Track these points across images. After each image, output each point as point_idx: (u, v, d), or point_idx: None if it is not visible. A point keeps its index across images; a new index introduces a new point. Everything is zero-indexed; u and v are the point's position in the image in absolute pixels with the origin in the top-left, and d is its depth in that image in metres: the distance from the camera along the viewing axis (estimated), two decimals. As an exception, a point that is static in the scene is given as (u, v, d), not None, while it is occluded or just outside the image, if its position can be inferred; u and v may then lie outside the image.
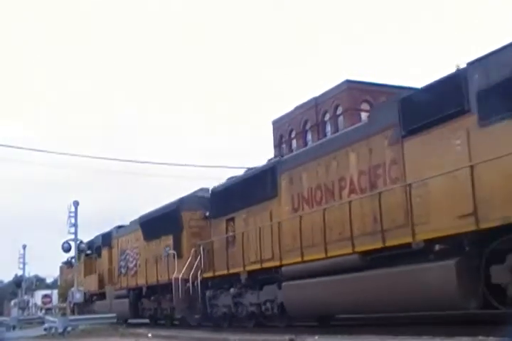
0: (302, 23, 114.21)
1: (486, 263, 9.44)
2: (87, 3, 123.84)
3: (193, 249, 18.27)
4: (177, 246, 19.31)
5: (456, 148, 10.05)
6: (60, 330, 21.30)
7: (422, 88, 11.26)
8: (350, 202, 11.95)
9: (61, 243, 28.77)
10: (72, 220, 26.98)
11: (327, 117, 42.39)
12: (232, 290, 16.21)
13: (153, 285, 20.96)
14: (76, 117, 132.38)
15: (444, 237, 9.92)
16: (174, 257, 19.14)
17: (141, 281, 22.04)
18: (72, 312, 27.73)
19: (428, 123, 10.56)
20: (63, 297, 41.82)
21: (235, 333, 13.98)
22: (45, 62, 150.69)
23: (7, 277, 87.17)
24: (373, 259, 11.45)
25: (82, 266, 29.03)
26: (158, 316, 21.52)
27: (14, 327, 31.33)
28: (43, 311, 53.78)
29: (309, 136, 44.04)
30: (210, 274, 17.22)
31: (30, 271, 64.32)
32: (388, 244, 10.96)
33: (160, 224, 20.58)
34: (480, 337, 7.90)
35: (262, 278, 14.93)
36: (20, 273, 53.88)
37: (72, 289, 27.34)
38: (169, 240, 19.85)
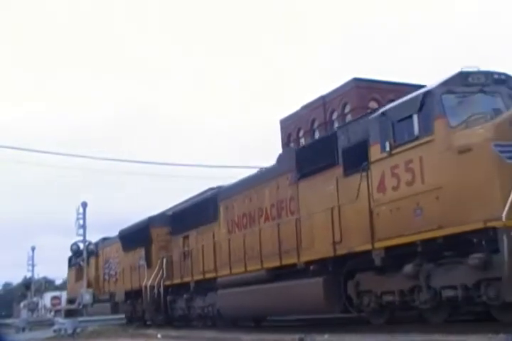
0: (309, 22, 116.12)
1: (344, 279, 12.68)
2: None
3: (159, 260, 21.55)
4: (147, 257, 22.65)
5: (330, 191, 13.24)
6: (70, 331, 22.00)
7: (310, 143, 14.46)
8: (260, 229, 15.23)
9: (70, 244, 30.88)
10: (81, 222, 27.71)
11: (335, 116, 42.16)
12: (185, 295, 19.55)
13: (129, 291, 24.29)
14: (80, 117, 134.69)
15: (318, 260, 13.16)
16: (145, 267, 22.49)
17: (121, 287, 25.40)
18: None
19: (314, 170, 13.76)
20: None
21: (246, 333, 14.84)
22: (41, 62, 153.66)
23: (16, 279, 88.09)
24: (276, 274, 14.67)
25: (73, 273, 32.38)
26: (134, 317, 24.80)
27: (24, 329, 31.97)
28: (52, 313, 52.80)
29: (317, 135, 42.91)
30: (169, 282, 20.57)
31: (39, 273, 65.03)
32: (283, 263, 14.20)
33: (134, 238, 23.90)
34: (489, 335, 8.28)
35: (205, 286, 18.20)
36: (29, 275, 55.33)
37: (82, 290, 28.29)
38: (141, 252, 23.17)
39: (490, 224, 9.22)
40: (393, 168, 11.13)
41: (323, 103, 42.85)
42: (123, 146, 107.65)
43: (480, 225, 9.36)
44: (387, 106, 11.71)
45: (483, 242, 9.51)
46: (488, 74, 10.80)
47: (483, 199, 9.45)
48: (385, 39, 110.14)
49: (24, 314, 48.25)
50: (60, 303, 60.11)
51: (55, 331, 23.27)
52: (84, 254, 28.76)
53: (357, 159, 12.15)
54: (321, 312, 14.12)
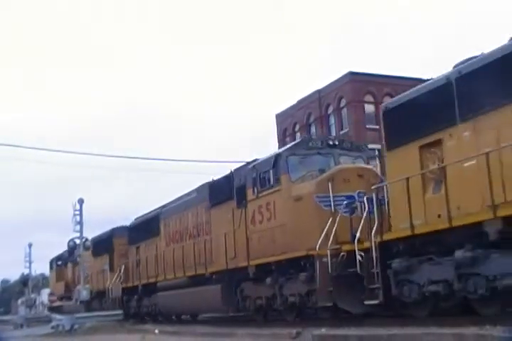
0: (309, 21, 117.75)
1: (235, 287, 16.76)
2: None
3: (119, 266, 25.69)
4: (111, 263, 26.85)
5: (229, 218, 17.25)
6: (68, 328, 22.77)
7: (218, 179, 18.45)
8: (184, 245, 19.34)
9: (67, 241, 31.58)
10: (78, 218, 28.05)
11: (330, 110, 42.00)
12: (135, 296, 23.71)
13: (98, 291, 28.47)
14: (80, 117, 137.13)
15: (218, 271, 17.25)
16: (108, 271, 26.66)
17: (91, 288, 29.57)
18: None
19: (220, 201, 17.79)
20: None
21: (243, 327, 15.65)
22: (42, 62, 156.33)
23: (14, 276, 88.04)
24: (194, 281, 18.76)
25: (54, 274, 36.51)
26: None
27: (22, 326, 32.62)
28: (50, 309, 55.46)
29: (313, 129, 43.47)
30: (125, 285, 24.73)
31: (37, 270, 65.71)
32: (197, 272, 18.30)
33: (101, 246, 28.11)
34: (487, 326, 8.41)
35: (150, 289, 22.33)
36: (26, 271, 54.46)
37: (78, 287, 29.05)
38: (106, 258, 27.36)
39: (310, 252, 13.25)
40: (259, 207, 15.18)
41: (318, 97, 42.76)
42: (123, 146, 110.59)
43: (304, 253, 13.40)
44: (257, 161, 15.76)
45: (307, 264, 13.56)
46: (324, 140, 14.84)
47: (308, 234, 13.46)
48: (385, 39, 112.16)
49: (22, 311, 48.40)
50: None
51: (52, 327, 24.15)
52: (81, 250, 29.58)
53: (242, 197, 16.20)
54: (220, 312, 18.28)
